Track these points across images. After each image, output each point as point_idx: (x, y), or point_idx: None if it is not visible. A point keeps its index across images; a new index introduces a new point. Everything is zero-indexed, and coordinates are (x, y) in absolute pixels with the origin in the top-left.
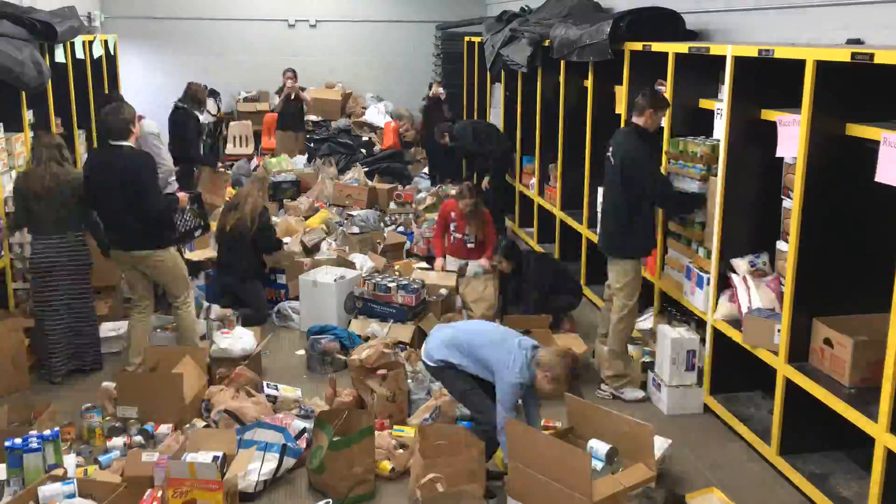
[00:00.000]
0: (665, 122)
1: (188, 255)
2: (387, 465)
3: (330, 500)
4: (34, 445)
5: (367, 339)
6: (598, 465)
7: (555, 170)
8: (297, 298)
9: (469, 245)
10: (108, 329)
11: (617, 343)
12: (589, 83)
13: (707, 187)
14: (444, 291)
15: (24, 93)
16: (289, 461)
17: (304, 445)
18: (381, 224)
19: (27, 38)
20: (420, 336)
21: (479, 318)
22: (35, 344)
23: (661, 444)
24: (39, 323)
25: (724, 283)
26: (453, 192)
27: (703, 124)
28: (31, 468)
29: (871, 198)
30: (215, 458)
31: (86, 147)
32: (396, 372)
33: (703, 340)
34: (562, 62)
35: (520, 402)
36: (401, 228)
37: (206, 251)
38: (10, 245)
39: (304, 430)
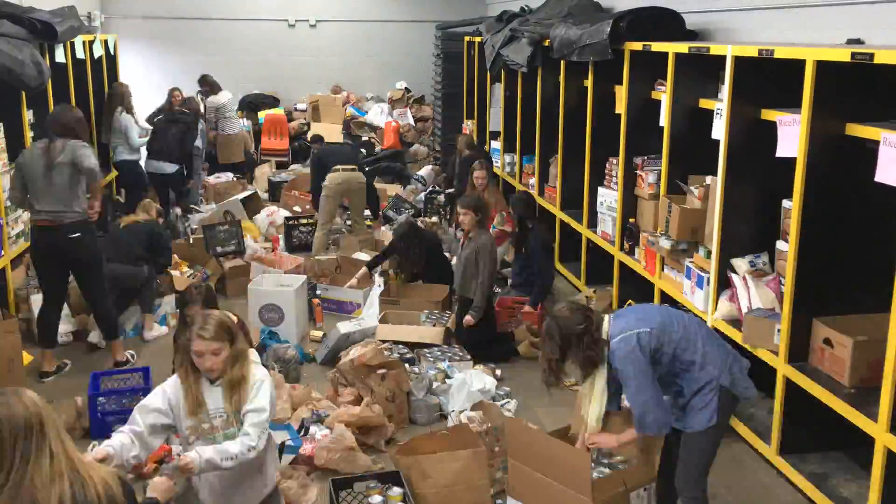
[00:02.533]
0: (665, 121)
1: None
2: None
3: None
4: None
5: None
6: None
7: (555, 170)
8: None
9: None
10: None
11: None
12: (589, 83)
13: None
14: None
15: (24, 93)
16: (287, 458)
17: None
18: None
19: (27, 38)
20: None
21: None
22: None
23: None
24: None
25: (724, 283)
26: None
27: (703, 124)
28: None
29: (871, 198)
30: None
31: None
32: (397, 371)
33: None
34: (562, 62)
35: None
36: None
37: None
38: None
39: (302, 423)
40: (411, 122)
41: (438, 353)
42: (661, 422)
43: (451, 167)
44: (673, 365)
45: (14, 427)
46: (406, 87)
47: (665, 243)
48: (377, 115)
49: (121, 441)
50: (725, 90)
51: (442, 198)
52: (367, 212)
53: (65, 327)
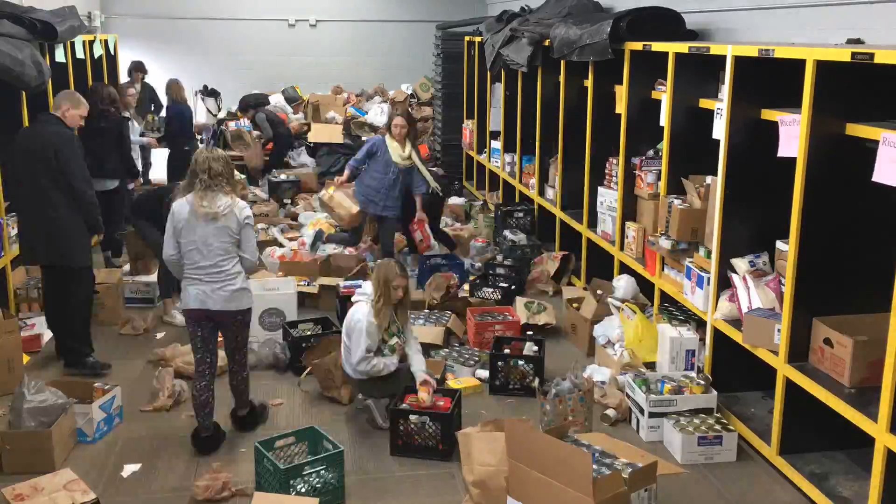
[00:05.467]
0: (665, 121)
1: None
2: None
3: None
4: None
5: None
6: None
7: (555, 170)
8: None
9: None
10: None
11: None
12: (589, 83)
13: None
14: None
15: (24, 93)
16: None
17: None
18: None
19: (27, 38)
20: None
21: None
22: None
23: None
24: None
25: (724, 283)
26: None
27: (703, 124)
28: None
29: (871, 198)
30: None
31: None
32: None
33: (702, 340)
34: (562, 62)
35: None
36: None
37: None
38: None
39: None
40: None
41: (455, 354)
42: None
43: None
44: None
45: None
46: (412, 93)
47: (665, 243)
48: (377, 115)
49: None
50: (725, 90)
51: None
52: None
53: None
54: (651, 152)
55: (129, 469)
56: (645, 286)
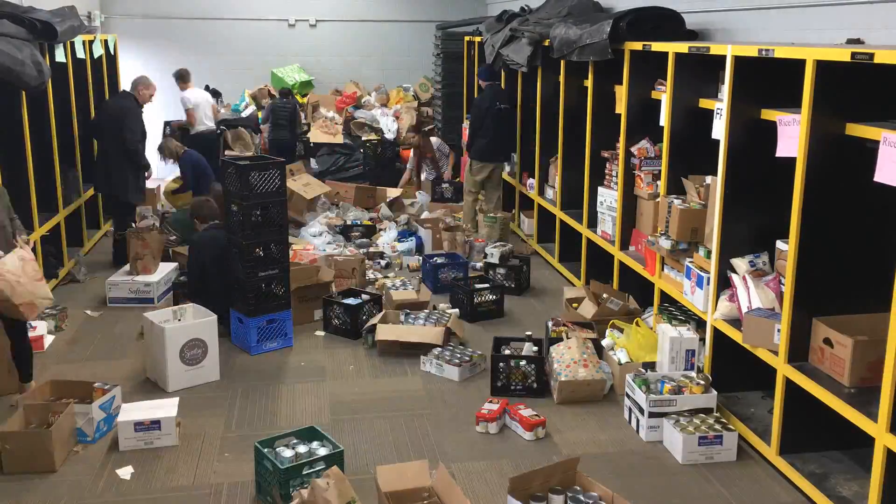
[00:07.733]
0: (665, 121)
1: None
2: None
3: None
4: None
5: None
6: None
7: (555, 170)
8: None
9: None
10: None
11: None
12: (589, 83)
13: None
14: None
15: (24, 92)
16: None
17: None
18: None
19: (27, 38)
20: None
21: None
22: None
23: None
24: None
25: (724, 283)
26: None
27: (702, 124)
28: None
29: (871, 198)
30: None
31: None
32: None
33: (702, 340)
34: (562, 62)
35: None
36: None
37: None
38: None
39: None
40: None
41: (447, 353)
42: None
43: None
44: None
45: None
46: (414, 94)
47: (665, 243)
48: (378, 115)
49: None
50: (725, 90)
51: None
52: None
53: None
54: (645, 143)
55: (129, 469)
56: (645, 286)
